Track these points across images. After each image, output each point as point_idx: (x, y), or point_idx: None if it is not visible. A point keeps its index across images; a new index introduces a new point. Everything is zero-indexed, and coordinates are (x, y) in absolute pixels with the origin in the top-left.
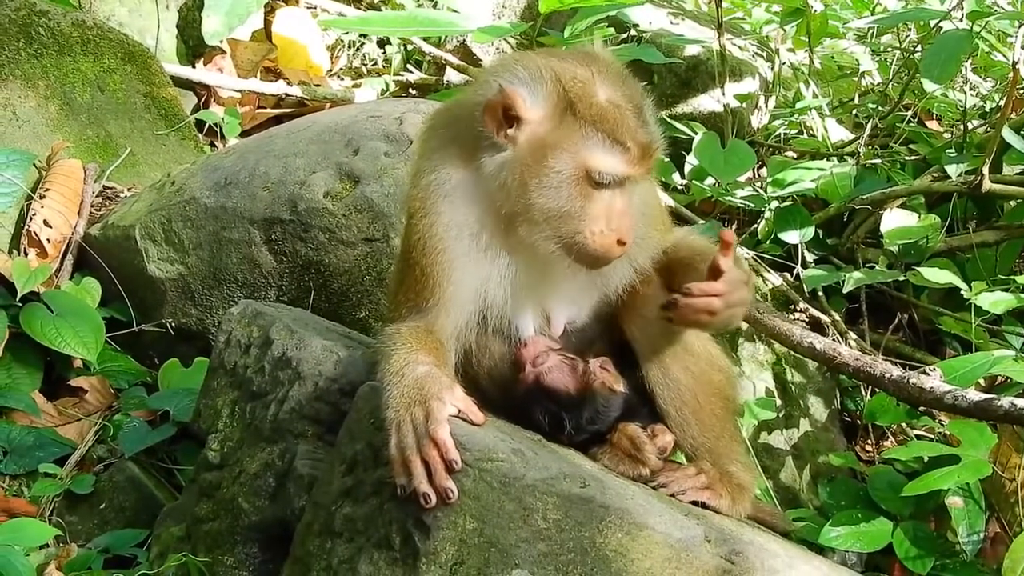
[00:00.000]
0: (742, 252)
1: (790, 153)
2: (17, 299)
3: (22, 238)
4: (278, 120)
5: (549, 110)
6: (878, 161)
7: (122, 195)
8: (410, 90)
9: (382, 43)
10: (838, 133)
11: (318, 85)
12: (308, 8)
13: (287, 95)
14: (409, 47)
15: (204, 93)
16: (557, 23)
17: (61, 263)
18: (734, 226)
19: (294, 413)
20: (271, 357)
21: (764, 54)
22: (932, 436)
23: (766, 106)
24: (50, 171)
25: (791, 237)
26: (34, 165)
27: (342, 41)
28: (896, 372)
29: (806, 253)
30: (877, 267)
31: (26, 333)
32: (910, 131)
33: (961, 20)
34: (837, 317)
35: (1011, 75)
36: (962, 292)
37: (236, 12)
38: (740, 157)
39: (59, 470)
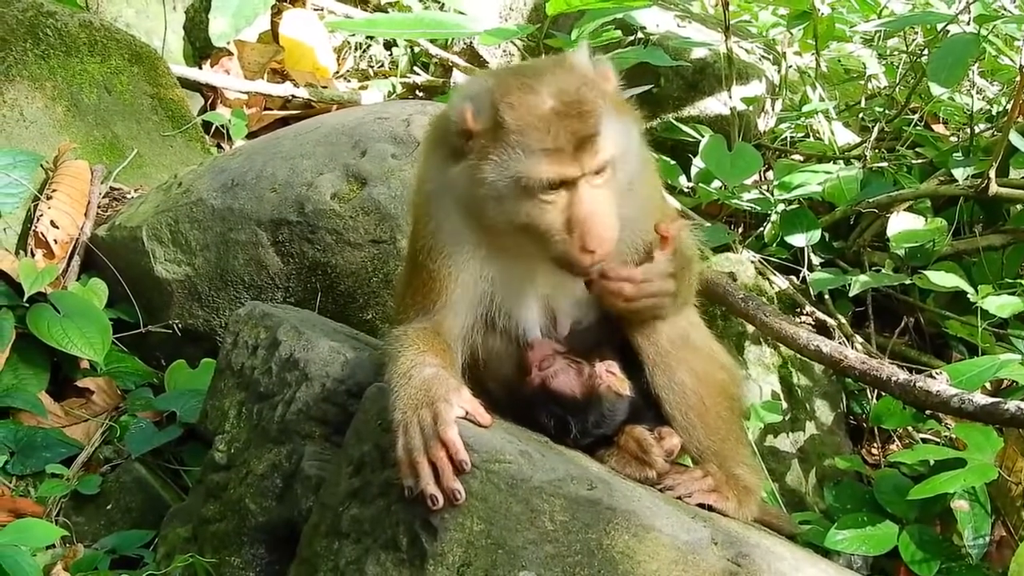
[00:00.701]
0: (748, 255)
1: (796, 156)
2: (24, 300)
3: (29, 239)
4: (284, 122)
5: (487, 123)
6: (885, 164)
7: (129, 196)
8: (417, 92)
9: (388, 45)
10: (844, 136)
11: (325, 87)
12: (315, 10)
13: (294, 97)
14: (416, 49)
15: (211, 94)
16: (564, 25)
17: (68, 264)
18: (740, 229)
19: (301, 414)
20: (278, 358)
21: (771, 57)
22: (938, 440)
23: (773, 109)
24: (57, 172)
25: (797, 240)
26: (41, 166)
27: (348, 43)
28: (903, 376)
29: (812, 256)
30: (883, 270)
31: (33, 334)
32: (917, 134)
33: (968, 24)
34: (843, 320)
35: (1018, 79)
36: (968, 296)
37: (243, 13)
38: (746, 160)
39: (66, 471)
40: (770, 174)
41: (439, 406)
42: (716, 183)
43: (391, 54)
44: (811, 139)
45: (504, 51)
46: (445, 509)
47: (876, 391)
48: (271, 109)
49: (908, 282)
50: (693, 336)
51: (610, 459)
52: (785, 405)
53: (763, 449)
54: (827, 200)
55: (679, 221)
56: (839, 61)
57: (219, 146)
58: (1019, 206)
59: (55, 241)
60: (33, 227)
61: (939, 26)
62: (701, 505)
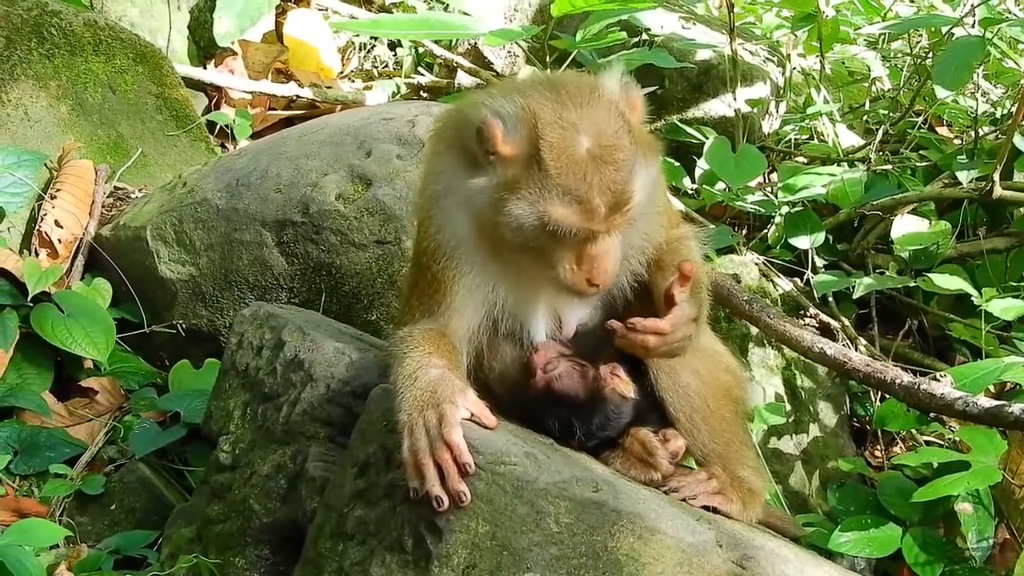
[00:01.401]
0: (752, 257)
1: (801, 158)
2: (28, 299)
3: (33, 238)
4: (289, 122)
5: (520, 151)
6: (889, 167)
7: (133, 196)
8: (421, 92)
9: (393, 45)
10: (849, 139)
11: (329, 87)
12: (319, 10)
13: (298, 97)
14: (420, 49)
15: (215, 94)
16: (569, 27)
17: (72, 263)
18: (744, 231)
19: (306, 415)
20: (283, 359)
21: (775, 59)
22: (942, 442)
23: (777, 111)
24: (61, 171)
25: (801, 242)
26: (45, 165)
27: (353, 43)
28: (907, 378)
29: (816, 258)
30: (887, 273)
31: (37, 333)
32: (921, 137)
33: (973, 26)
34: (847, 323)
35: (1023, 81)
36: (972, 298)
37: (248, 13)
38: (751, 162)
39: (69, 470)
40: (774, 176)
41: (444, 408)
42: (720, 185)
43: (395, 54)
44: (815, 141)
45: (509, 52)
46: (450, 511)
47: (880, 393)
48: (275, 109)
49: (912, 284)
50: (698, 339)
51: (615, 461)
52: (789, 407)
53: (767, 451)
54: (831, 202)
55: (682, 228)
56: (843, 63)
57: (223, 146)
58: (1023, 209)
59: (59, 241)
60: (37, 226)
61: (944, 29)
62: (706, 507)
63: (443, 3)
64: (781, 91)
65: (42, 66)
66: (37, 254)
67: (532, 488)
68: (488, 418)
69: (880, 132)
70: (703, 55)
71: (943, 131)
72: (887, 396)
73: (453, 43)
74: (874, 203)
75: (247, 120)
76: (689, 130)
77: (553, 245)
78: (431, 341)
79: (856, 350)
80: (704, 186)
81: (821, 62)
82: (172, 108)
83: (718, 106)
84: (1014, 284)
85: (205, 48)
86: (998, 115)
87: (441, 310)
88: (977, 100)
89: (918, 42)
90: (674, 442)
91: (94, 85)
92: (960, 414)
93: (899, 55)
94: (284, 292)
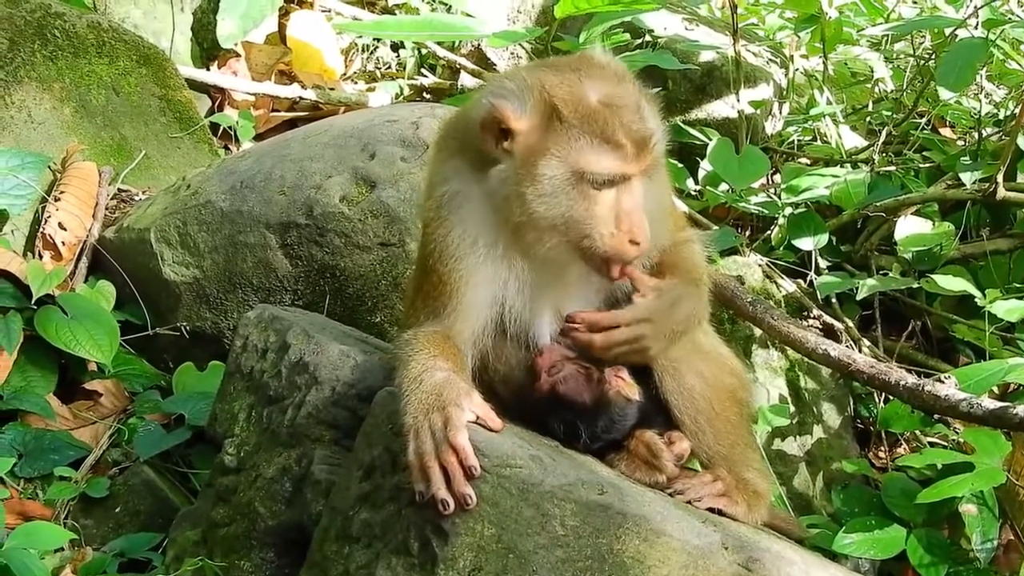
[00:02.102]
0: (755, 258)
1: (804, 160)
2: (32, 302)
3: (37, 240)
4: (292, 123)
5: (537, 119)
6: (892, 168)
7: (137, 198)
8: (424, 94)
9: (396, 47)
10: (852, 140)
11: (332, 88)
12: (322, 11)
13: (301, 98)
14: (423, 51)
15: (218, 96)
16: (572, 28)
17: (76, 266)
18: (747, 232)
19: (311, 418)
20: (288, 362)
21: (778, 61)
22: (946, 444)
23: (780, 112)
24: (65, 173)
25: (805, 244)
26: (49, 167)
27: (356, 44)
28: (911, 379)
29: (820, 260)
30: (891, 274)
31: (41, 336)
32: (924, 138)
33: (976, 28)
34: (851, 324)
35: None
36: (976, 300)
37: (251, 15)
38: (754, 163)
39: (74, 473)
40: (777, 177)
41: (450, 410)
42: (723, 186)
43: (398, 56)
44: (818, 142)
45: (512, 54)
46: (456, 514)
47: (884, 395)
48: (278, 111)
49: (915, 286)
50: (701, 341)
51: (620, 463)
52: (792, 409)
53: (770, 453)
54: (834, 204)
55: (687, 231)
56: (846, 64)
57: (226, 148)
58: None
59: (63, 243)
60: (41, 229)
61: (947, 30)
62: (711, 509)
63: (446, 5)
64: (784, 92)
65: (46, 68)
66: (41, 256)
67: (538, 491)
68: (494, 420)
69: (883, 133)
70: (706, 56)
71: (946, 132)
72: (891, 397)
73: (456, 45)
74: (877, 204)
75: (250, 122)
76: (692, 131)
77: (587, 207)
78: (436, 344)
79: (860, 352)
80: (707, 187)
81: (824, 63)
82: (175, 110)
83: (721, 107)
84: (1018, 285)
85: (208, 50)
86: (1001, 116)
87: (447, 312)
88: (980, 101)
89: (921, 43)
90: (679, 444)
91: (97, 87)
92: (964, 415)
93: (902, 56)
94: (288, 294)
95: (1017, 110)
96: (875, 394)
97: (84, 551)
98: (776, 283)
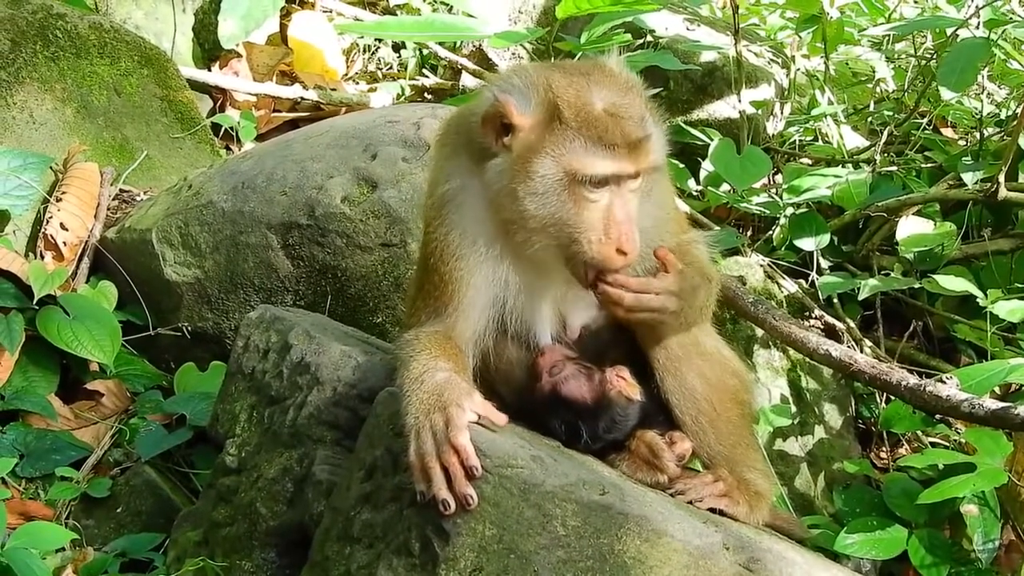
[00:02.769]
0: (757, 259)
1: (805, 160)
2: (34, 302)
3: (39, 241)
4: (293, 124)
5: (539, 117)
6: (894, 168)
7: (138, 198)
8: (425, 94)
9: (397, 47)
10: (853, 140)
11: (334, 89)
12: (324, 12)
13: (303, 99)
14: (425, 51)
15: (220, 96)
16: (574, 29)
17: (77, 266)
18: (749, 232)
19: (312, 418)
20: (289, 362)
21: (780, 61)
22: (947, 444)
23: (781, 113)
24: (67, 174)
25: (806, 244)
26: (51, 168)
27: (357, 45)
28: (912, 380)
29: (821, 260)
30: (892, 274)
31: (42, 336)
32: (926, 139)
33: (978, 28)
34: (852, 324)
35: None
36: (977, 300)
37: (252, 16)
38: (756, 163)
39: (76, 473)
40: (779, 178)
41: (451, 411)
42: (725, 186)
43: (400, 56)
44: (820, 143)
45: (513, 54)
46: (457, 514)
47: (885, 395)
48: (280, 111)
49: (917, 286)
50: (703, 341)
51: (622, 464)
52: (794, 409)
53: (772, 453)
54: (836, 204)
55: (691, 233)
56: (848, 65)
57: (228, 148)
58: None
59: (64, 243)
60: (43, 229)
61: (948, 30)
62: (712, 510)
63: (447, 5)
64: (786, 93)
65: (47, 69)
66: (43, 257)
67: (539, 491)
68: (497, 416)
69: (885, 133)
70: (708, 57)
71: (948, 132)
72: (893, 398)
73: (457, 45)
74: (879, 204)
75: (252, 122)
76: (694, 132)
77: (577, 211)
78: (438, 344)
79: (861, 352)
80: (709, 188)
81: (826, 63)
82: (177, 110)
83: (723, 108)
84: (1019, 285)
85: (210, 50)
86: (1003, 116)
87: (448, 312)
88: (982, 101)
89: (923, 43)
90: (680, 444)
91: (99, 88)
92: (966, 416)
93: (904, 56)
94: (290, 295)
95: (1019, 110)
96: (877, 394)
97: (85, 551)
98: (778, 283)
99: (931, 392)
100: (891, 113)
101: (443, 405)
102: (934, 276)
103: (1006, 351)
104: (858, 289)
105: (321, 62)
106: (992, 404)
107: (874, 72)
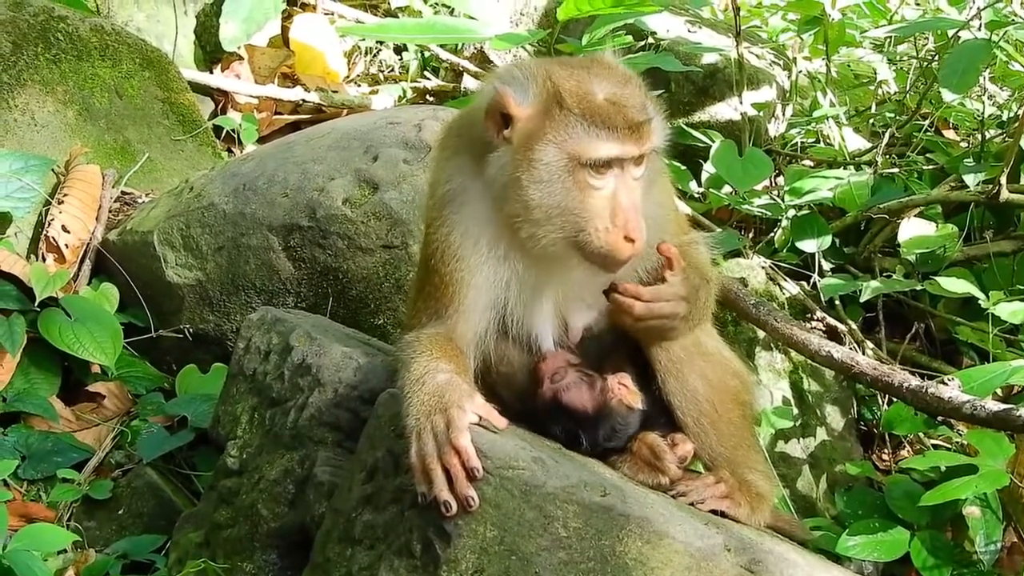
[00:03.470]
0: (759, 261)
1: (807, 162)
2: (35, 304)
3: (40, 243)
4: (295, 126)
5: (539, 106)
6: (895, 170)
7: (140, 201)
8: (427, 97)
9: (399, 49)
10: (855, 142)
11: (335, 91)
12: (325, 14)
13: (304, 101)
14: (426, 54)
15: (221, 99)
16: (575, 31)
17: (79, 268)
18: (751, 234)
19: (314, 420)
20: (291, 364)
21: (781, 62)
22: (949, 446)
23: (783, 114)
24: (68, 176)
25: (808, 246)
26: (52, 170)
27: (359, 47)
28: (914, 382)
29: (823, 262)
30: (894, 276)
31: (44, 338)
32: (927, 140)
33: (979, 30)
34: (854, 326)
35: None
36: (979, 302)
37: (254, 18)
38: (757, 165)
39: (77, 475)
40: (781, 179)
41: (452, 412)
42: (727, 188)
43: (401, 59)
44: (822, 144)
45: (515, 56)
46: (458, 515)
47: (887, 397)
48: (281, 113)
49: (919, 288)
50: (705, 343)
51: (623, 465)
52: (796, 411)
53: (774, 455)
54: (838, 206)
55: (691, 234)
56: (849, 67)
57: (229, 150)
58: None
59: (66, 245)
60: (44, 231)
61: (950, 32)
62: (714, 511)
63: (449, 7)
64: (787, 94)
65: (49, 71)
66: (44, 259)
67: (540, 492)
68: (497, 419)
69: (886, 135)
70: (709, 59)
71: (950, 134)
72: (894, 400)
73: (459, 47)
74: (881, 206)
75: (253, 124)
76: (695, 134)
77: (582, 198)
78: (439, 345)
79: (863, 354)
80: (711, 190)
81: (827, 65)
82: (178, 113)
83: (724, 110)
84: (1021, 287)
85: (211, 53)
86: (1004, 118)
87: (449, 313)
88: (984, 103)
89: (924, 45)
90: (682, 446)
91: (101, 90)
92: (968, 418)
93: (905, 58)
94: (291, 296)
95: (1020, 112)
96: (878, 396)
97: (87, 553)
98: (779, 285)
99: (933, 394)
100: (893, 115)
101: (444, 406)
102: (936, 278)
103: (1008, 353)
104: (860, 291)
105: (323, 64)
106: (994, 406)
107: (876, 74)
